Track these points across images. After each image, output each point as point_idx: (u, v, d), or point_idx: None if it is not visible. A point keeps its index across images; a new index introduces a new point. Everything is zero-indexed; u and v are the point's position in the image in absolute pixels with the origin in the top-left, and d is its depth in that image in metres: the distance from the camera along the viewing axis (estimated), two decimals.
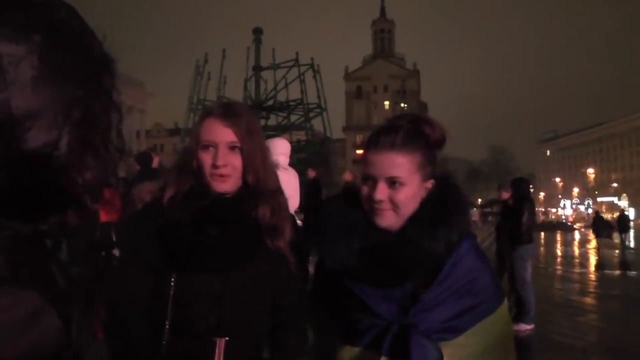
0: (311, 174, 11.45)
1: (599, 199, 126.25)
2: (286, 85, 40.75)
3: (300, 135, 44.12)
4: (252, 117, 2.08)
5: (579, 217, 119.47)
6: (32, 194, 0.76)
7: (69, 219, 0.83)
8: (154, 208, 1.97)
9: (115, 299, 1.97)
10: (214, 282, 1.91)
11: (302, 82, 41.16)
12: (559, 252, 31.58)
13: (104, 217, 7.73)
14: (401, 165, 1.73)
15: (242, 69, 41.23)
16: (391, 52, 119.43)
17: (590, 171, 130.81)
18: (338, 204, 1.89)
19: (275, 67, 40.99)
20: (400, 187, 1.73)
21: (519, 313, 8.99)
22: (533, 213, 9.56)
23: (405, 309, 1.74)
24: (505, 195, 10.04)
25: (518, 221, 9.21)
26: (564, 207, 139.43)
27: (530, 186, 10.88)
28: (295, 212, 6.09)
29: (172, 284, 1.90)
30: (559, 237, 50.39)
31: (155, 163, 8.90)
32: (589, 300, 13.32)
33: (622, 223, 32.83)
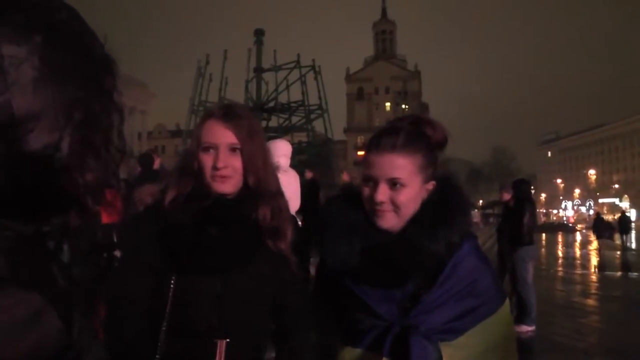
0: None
1: (600, 200, 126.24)
2: (287, 87, 40.66)
3: (302, 137, 44.03)
4: (253, 119, 2.08)
5: (580, 218, 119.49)
6: (33, 195, 0.76)
7: (70, 220, 0.83)
8: (155, 210, 1.97)
9: (115, 300, 1.98)
10: (215, 283, 1.91)
11: (304, 83, 41.06)
12: (560, 254, 31.56)
13: (105, 218, 7.74)
14: (402, 166, 1.73)
15: (243, 71, 41.17)
16: (392, 53, 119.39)
17: (592, 172, 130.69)
18: (339, 204, 1.89)
19: (276, 68, 40.90)
20: (401, 188, 1.74)
21: (521, 314, 8.98)
22: (534, 214, 9.55)
23: (406, 310, 1.74)
24: (507, 196, 10.04)
25: (519, 222, 9.20)
26: (565, 209, 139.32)
27: (532, 187, 10.87)
28: (296, 213, 6.09)
29: (172, 285, 1.90)
30: (560, 239, 50.39)
31: (156, 164, 8.92)
32: (590, 301, 13.31)
33: (623, 224, 32.81)
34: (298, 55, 41.73)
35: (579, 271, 20.96)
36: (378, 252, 1.74)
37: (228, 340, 1.90)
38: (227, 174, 1.93)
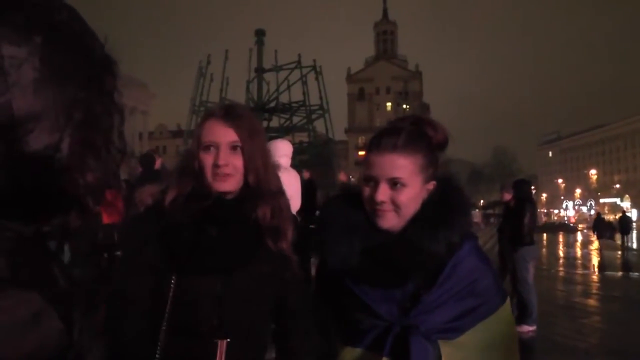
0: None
1: (601, 200, 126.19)
2: (288, 87, 40.71)
3: (303, 137, 44.08)
4: (254, 119, 2.09)
5: (581, 218, 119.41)
6: (33, 196, 0.76)
7: (70, 221, 0.83)
8: (155, 210, 1.97)
9: (115, 300, 1.98)
10: (215, 283, 1.91)
11: (305, 83, 41.11)
12: (561, 254, 31.56)
13: (106, 218, 7.75)
14: (403, 166, 1.73)
15: (244, 71, 41.23)
16: (393, 54, 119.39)
17: (593, 172, 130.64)
18: (339, 204, 1.89)
19: (277, 68, 40.93)
20: (402, 188, 1.73)
21: (521, 315, 8.97)
22: (534, 214, 9.54)
23: (406, 310, 1.74)
24: (507, 196, 10.03)
25: (519, 222, 9.20)
26: (566, 209, 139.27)
27: (533, 187, 10.87)
28: (296, 213, 6.09)
29: (172, 285, 1.90)
30: (561, 239, 50.34)
31: (157, 165, 8.92)
32: (591, 301, 13.30)
33: (624, 224, 32.79)
34: (299, 56, 41.76)
35: (580, 271, 20.95)
36: (378, 252, 1.74)
37: (228, 340, 1.90)
38: (228, 171, 1.93)
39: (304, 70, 41.44)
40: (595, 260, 26.13)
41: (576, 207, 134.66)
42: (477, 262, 1.80)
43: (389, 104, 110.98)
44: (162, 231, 1.91)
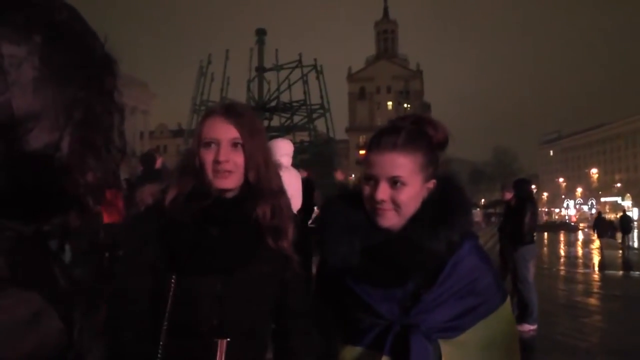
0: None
1: (602, 199, 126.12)
2: (289, 86, 40.75)
3: (304, 136, 44.10)
4: (255, 117, 2.08)
5: (582, 217, 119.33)
6: (33, 195, 0.76)
7: (70, 220, 0.83)
8: (155, 210, 1.97)
9: (115, 299, 1.98)
10: (215, 282, 1.91)
11: (305, 83, 41.15)
12: (562, 253, 31.57)
13: (106, 218, 7.75)
14: (403, 165, 1.73)
15: (245, 70, 41.27)
16: (394, 53, 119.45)
17: (594, 171, 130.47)
18: (340, 204, 1.89)
19: (278, 68, 40.95)
20: (402, 187, 1.73)
21: (522, 314, 8.97)
22: (535, 213, 9.54)
23: (406, 309, 1.74)
24: (508, 195, 10.03)
25: (520, 221, 9.20)
26: (567, 208, 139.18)
27: (534, 187, 10.87)
28: (297, 212, 6.10)
29: (172, 284, 1.90)
30: (562, 238, 50.32)
31: (158, 164, 8.92)
32: (592, 300, 13.28)
33: (625, 224, 32.74)
34: (300, 55, 41.78)
35: (581, 270, 20.94)
36: (379, 251, 1.74)
37: (228, 340, 1.90)
38: (228, 168, 1.92)
39: (305, 70, 41.49)
40: (596, 259, 26.13)
41: (577, 206, 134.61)
42: (478, 261, 1.80)
43: (389, 103, 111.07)
44: (162, 230, 1.91)
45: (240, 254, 1.94)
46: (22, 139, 0.71)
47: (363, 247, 1.75)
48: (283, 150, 5.94)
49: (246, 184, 1.99)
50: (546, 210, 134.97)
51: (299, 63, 41.44)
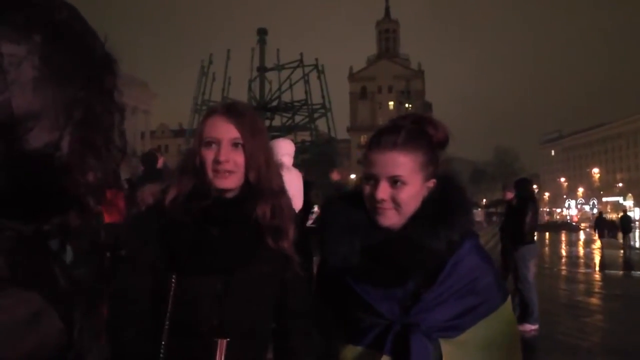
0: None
1: (604, 199, 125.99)
2: (290, 86, 40.70)
3: (305, 136, 44.07)
4: (256, 117, 2.08)
5: (584, 217, 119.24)
6: (33, 195, 0.76)
7: (71, 220, 0.83)
8: (156, 209, 1.97)
9: (116, 299, 1.98)
10: (216, 282, 1.91)
11: (307, 82, 41.10)
12: (563, 252, 31.58)
13: (107, 218, 7.74)
14: (403, 164, 1.73)
15: (246, 70, 41.21)
16: (395, 53, 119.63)
17: (595, 171, 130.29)
18: (340, 204, 1.89)
19: (279, 67, 40.88)
20: (402, 186, 1.73)
21: (523, 313, 8.97)
22: (536, 213, 9.55)
23: (407, 308, 1.74)
24: (510, 195, 10.04)
25: (521, 221, 9.20)
26: (568, 207, 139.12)
27: (535, 186, 10.87)
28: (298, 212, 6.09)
29: (172, 284, 1.90)
30: (563, 237, 50.30)
31: (160, 164, 8.91)
32: (593, 300, 13.29)
33: (625, 223, 32.71)
34: (301, 55, 41.71)
35: (582, 270, 20.94)
36: (379, 251, 1.74)
37: (228, 339, 1.90)
38: (228, 168, 1.92)
39: (306, 69, 41.43)
40: (597, 259, 26.13)
41: (579, 206, 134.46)
42: (478, 260, 1.80)
43: (391, 103, 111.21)
44: (163, 230, 1.91)
45: (240, 254, 1.94)
46: (22, 139, 0.71)
47: (363, 246, 1.75)
48: (284, 150, 5.93)
49: (247, 184, 1.98)
50: (547, 210, 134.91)
51: (300, 63, 41.39)
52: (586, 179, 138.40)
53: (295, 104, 40.86)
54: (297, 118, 41.54)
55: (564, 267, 21.69)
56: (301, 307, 2.11)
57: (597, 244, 34.77)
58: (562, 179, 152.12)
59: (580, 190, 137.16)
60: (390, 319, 1.74)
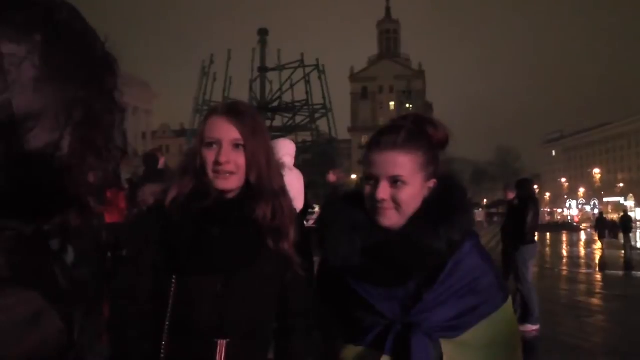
0: None
1: (605, 199, 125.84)
2: (291, 86, 40.81)
3: (306, 136, 44.11)
4: (258, 117, 2.07)
5: (585, 217, 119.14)
6: (34, 195, 0.76)
7: (71, 220, 0.82)
8: (156, 210, 1.97)
9: (118, 299, 1.98)
10: (216, 282, 1.90)
11: (308, 82, 41.22)
12: (564, 253, 31.56)
13: (107, 218, 7.75)
14: (403, 164, 1.73)
15: (247, 70, 41.34)
16: (396, 53, 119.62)
17: (597, 171, 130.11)
18: (341, 203, 1.89)
19: (280, 68, 40.98)
20: (403, 186, 1.73)
21: (525, 314, 8.96)
22: (537, 213, 9.55)
23: (407, 308, 1.74)
24: (511, 195, 10.05)
25: (522, 221, 9.21)
26: (569, 208, 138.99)
27: (536, 186, 10.88)
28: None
29: (173, 285, 1.90)
30: (564, 238, 50.27)
31: (161, 164, 8.91)
32: (595, 300, 13.27)
33: (626, 224, 32.67)
34: (302, 55, 41.82)
35: (583, 270, 20.93)
36: (379, 250, 1.74)
37: (228, 340, 1.90)
38: (229, 169, 1.92)
39: (307, 70, 41.55)
40: (598, 259, 26.12)
41: (580, 206, 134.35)
42: (478, 260, 1.80)
43: (392, 103, 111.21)
44: (163, 231, 1.91)
45: (240, 254, 1.94)
46: (22, 139, 0.71)
47: (364, 246, 1.75)
48: (285, 150, 5.93)
49: (248, 184, 1.98)
50: (548, 210, 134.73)
51: (301, 63, 41.49)
52: (587, 179, 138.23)
53: (296, 104, 40.95)
54: (298, 118, 41.65)
55: (564, 268, 21.67)
56: (302, 307, 2.10)
57: (599, 244, 34.75)
58: (563, 179, 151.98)
59: (582, 190, 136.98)
60: (391, 319, 1.74)
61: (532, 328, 8.84)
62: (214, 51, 42.60)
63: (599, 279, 17.87)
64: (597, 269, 21.01)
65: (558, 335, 8.92)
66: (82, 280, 0.86)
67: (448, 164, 1.95)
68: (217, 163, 1.90)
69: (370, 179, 1.79)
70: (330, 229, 1.83)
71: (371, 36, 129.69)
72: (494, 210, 55.09)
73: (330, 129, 42.75)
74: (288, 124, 40.97)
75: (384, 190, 1.74)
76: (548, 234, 53.19)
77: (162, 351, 1.90)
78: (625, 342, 8.57)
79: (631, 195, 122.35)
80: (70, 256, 0.91)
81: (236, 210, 1.95)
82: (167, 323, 1.90)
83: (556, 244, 40.32)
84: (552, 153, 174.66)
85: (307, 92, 41.16)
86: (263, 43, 41.49)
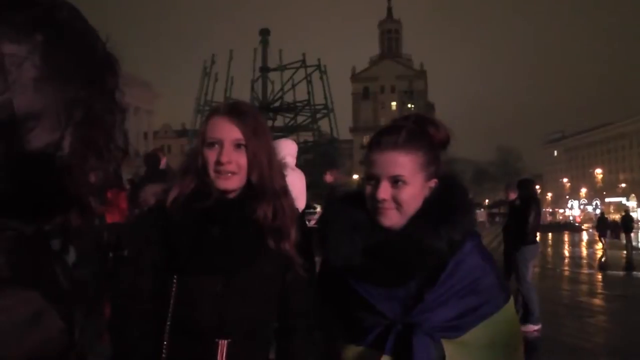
0: None
1: (607, 200, 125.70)
2: (293, 86, 40.80)
3: (307, 136, 44.07)
4: (259, 117, 2.07)
5: (586, 217, 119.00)
6: (34, 195, 0.76)
7: (72, 220, 0.82)
8: (157, 210, 1.97)
9: (119, 299, 1.98)
10: (217, 283, 1.90)
11: (309, 83, 41.20)
12: (566, 253, 31.54)
13: (108, 218, 7.76)
14: (404, 164, 1.74)
15: (249, 70, 41.32)
16: (398, 53, 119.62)
17: (598, 171, 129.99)
18: (342, 203, 1.89)
19: (282, 68, 40.98)
20: (403, 186, 1.74)
21: (526, 314, 8.96)
22: (539, 213, 9.54)
23: (408, 308, 1.74)
24: (512, 195, 10.04)
25: (524, 221, 9.20)
26: (571, 208, 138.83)
27: (537, 187, 10.88)
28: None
29: (174, 284, 1.90)
30: (566, 238, 50.22)
31: (162, 164, 8.92)
32: (596, 301, 13.26)
33: (627, 224, 32.65)
34: (304, 55, 41.80)
35: (585, 270, 20.91)
36: (380, 250, 1.74)
37: (229, 340, 1.90)
38: (230, 169, 1.91)
39: (309, 70, 41.54)
40: (599, 259, 26.11)
41: (581, 207, 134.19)
42: (479, 260, 1.80)
43: (393, 103, 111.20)
44: (165, 231, 1.91)
45: (241, 255, 1.94)
46: (23, 139, 0.71)
47: (365, 246, 1.76)
48: (287, 150, 5.91)
49: (249, 184, 1.98)
50: (550, 210, 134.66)
51: (303, 63, 41.49)
52: (589, 180, 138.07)
53: (298, 104, 40.95)
54: (300, 118, 41.64)
55: (566, 268, 21.65)
56: (303, 307, 2.10)
57: (600, 244, 34.74)
58: (565, 180, 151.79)
59: (583, 190, 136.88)
60: (392, 319, 1.75)
61: (533, 328, 8.83)
62: (215, 51, 42.63)
63: (600, 280, 17.86)
64: (602, 269, 20.96)
65: (560, 336, 8.92)
66: (83, 280, 0.86)
67: (449, 164, 1.95)
68: (218, 163, 1.90)
69: (371, 179, 1.79)
70: (331, 229, 1.83)
71: (373, 36, 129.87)
72: (495, 210, 55.10)
73: (331, 129, 42.75)
74: (289, 124, 40.96)
75: (384, 190, 1.74)
76: (550, 234, 53.13)
77: (163, 351, 1.90)
78: (626, 342, 8.56)
79: (633, 195, 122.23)
80: (71, 256, 0.91)
81: (237, 210, 1.94)
82: (168, 323, 1.90)
83: (558, 244, 40.27)
84: (553, 153, 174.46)
85: (308, 92, 41.14)
86: (265, 43, 41.48)
